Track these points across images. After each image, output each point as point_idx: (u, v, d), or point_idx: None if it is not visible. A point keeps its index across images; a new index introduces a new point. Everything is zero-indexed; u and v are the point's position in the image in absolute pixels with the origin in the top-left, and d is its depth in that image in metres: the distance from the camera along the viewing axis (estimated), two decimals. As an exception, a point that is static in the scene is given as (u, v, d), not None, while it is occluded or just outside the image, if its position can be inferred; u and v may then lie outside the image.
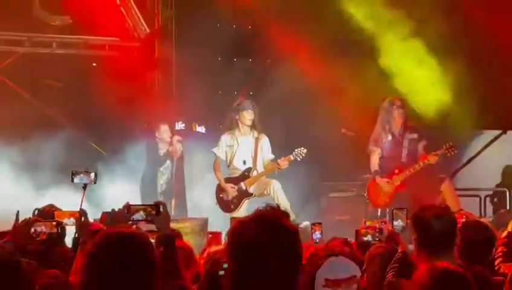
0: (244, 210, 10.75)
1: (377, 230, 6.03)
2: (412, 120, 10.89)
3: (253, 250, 2.67)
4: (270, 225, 2.70)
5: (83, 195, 6.28)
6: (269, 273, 2.66)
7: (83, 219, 5.40)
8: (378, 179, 10.72)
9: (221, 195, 11.01)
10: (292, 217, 6.70)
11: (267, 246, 2.66)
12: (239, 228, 2.74)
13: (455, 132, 11.27)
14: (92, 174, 6.38)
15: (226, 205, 10.94)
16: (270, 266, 2.66)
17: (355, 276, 4.06)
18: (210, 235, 6.88)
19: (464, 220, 5.85)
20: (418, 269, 4.41)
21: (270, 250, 2.66)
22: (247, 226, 2.72)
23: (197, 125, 13.41)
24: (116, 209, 4.89)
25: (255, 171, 10.94)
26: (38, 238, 5.08)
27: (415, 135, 10.73)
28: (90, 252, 2.99)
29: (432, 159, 10.35)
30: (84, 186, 6.37)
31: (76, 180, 6.30)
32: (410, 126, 10.76)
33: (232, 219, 7.70)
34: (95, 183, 6.46)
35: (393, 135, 10.77)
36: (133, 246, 2.99)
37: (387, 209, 10.50)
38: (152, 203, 4.89)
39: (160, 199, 11.11)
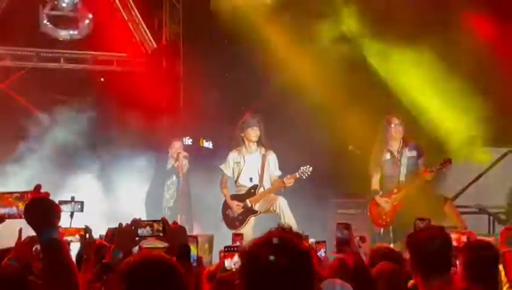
0: (249, 227, 10.75)
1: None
2: (411, 137, 10.86)
3: (269, 273, 2.66)
4: (285, 248, 2.69)
5: (70, 223, 6.36)
6: None
7: (87, 235, 5.40)
8: (377, 198, 10.73)
9: (227, 212, 11.01)
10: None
11: (283, 269, 2.65)
12: (254, 250, 2.73)
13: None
14: (79, 203, 6.50)
15: (232, 222, 10.92)
16: (284, 289, 2.65)
17: None
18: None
19: (465, 240, 5.84)
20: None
21: (286, 273, 2.66)
22: (261, 248, 2.71)
23: (204, 141, 13.41)
24: (124, 225, 4.88)
25: (261, 188, 10.93)
26: (40, 256, 5.06)
27: (414, 153, 10.72)
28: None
29: (429, 176, 10.33)
30: (71, 215, 6.47)
31: (63, 209, 6.39)
32: (409, 144, 10.75)
33: (233, 234, 7.63)
34: (81, 211, 6.56)
35: (391, 154, 10.78)
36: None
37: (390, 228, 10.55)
38: (159, 219, 4.90)
39: (167, 213, 11.14)
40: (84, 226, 5.49)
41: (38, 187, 3.33)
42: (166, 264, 3.07)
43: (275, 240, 2.72)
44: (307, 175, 10.57)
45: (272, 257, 2.63)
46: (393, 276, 4.99)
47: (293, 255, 2.68)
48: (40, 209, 3.23)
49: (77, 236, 5.49)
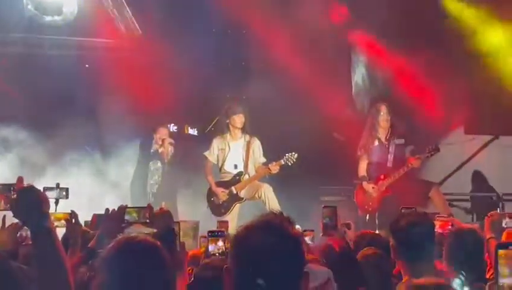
0: (235, 214, 10.76)
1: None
2: (399, 125, 10.90)
3: (258, 256, 2.65)
4: (275, 231, 2.69)
5: (55, 209, 6.35)
6: (273, 279, 2.65)
7: (73, 220, 5.39)
8: (364, 184, 10.78)
9: (212, 199, 11.01)
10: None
11: (272, 253, 2.65)
12: (243, 234, 2.73)
13: None
14: (64, 190, 6.49)
15: (217, 209, 10.92)
16: (273, 272, 2.65)
17: (329, 279, 4.07)
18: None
19: (450, 227, 5.87)
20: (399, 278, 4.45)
21: (275, 256, 2.65)
22: (251, 231, 2.71)
23: (189, 128, 13.38)
24: (110, 211, 4.90)
25: (246, 175, 10.94)
26: (24, 243, 5.06)
27: (402, 140, 10.77)
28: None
29: (415, 162, 10.38)
30: (56, 202, 6.46)
31: (48, 195, 6.37)
32: (397, 131, 10.79)
33: (219, 221, 7.65)
34: (67, 198, 6.55)
35: (379, 141, 10.82)
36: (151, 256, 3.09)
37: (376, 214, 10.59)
38: (145, 206, 4.91)
39: (151, 199, 11.12)
40: (70, 211, 5.48)
41: (20, 179, 3.32)
42: (151, 246, 3.11)
43: (266, 224, 2.72)
44: (292, 162, 10.58)
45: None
46: (379, 260, 5.01)
47: (279, 237, 2.68)
48: (29, 198, 3.22)
49: (63, 221, 5.47)
